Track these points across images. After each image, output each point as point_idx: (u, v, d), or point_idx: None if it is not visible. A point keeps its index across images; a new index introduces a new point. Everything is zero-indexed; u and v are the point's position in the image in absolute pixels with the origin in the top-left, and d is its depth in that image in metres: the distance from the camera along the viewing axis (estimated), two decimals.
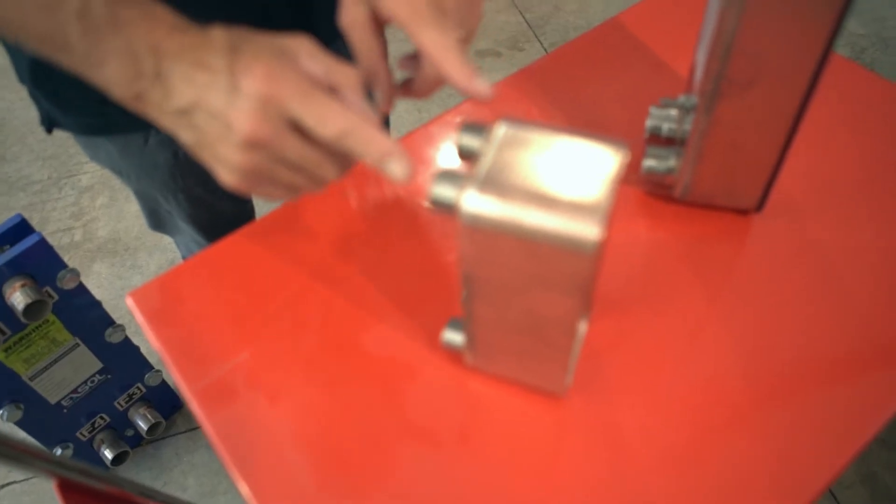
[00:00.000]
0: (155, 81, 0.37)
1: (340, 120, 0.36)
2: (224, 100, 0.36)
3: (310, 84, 0.37)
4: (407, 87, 0.47)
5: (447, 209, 0.36)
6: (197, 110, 0.37)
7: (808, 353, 0.47)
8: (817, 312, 0.49)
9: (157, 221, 0.78)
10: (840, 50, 0.58)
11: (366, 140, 0.37)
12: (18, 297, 0.85)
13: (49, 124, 0.60)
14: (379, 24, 0.44)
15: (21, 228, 0.87)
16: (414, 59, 0.47)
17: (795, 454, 0.43)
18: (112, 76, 0.37)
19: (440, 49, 0.40)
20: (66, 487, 0.55)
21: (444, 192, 0.36)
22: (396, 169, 0.37)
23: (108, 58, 0.37)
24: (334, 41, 0.66)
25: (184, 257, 0.90)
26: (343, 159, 0.40)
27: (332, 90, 0.38)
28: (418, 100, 0.48)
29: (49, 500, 1.17)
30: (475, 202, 0.35)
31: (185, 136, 0.39)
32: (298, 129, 0.37)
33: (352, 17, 0.43)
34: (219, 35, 0.37)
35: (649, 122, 0.55)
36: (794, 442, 0.44)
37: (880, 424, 0.44)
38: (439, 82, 0.45)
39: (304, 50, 0.38)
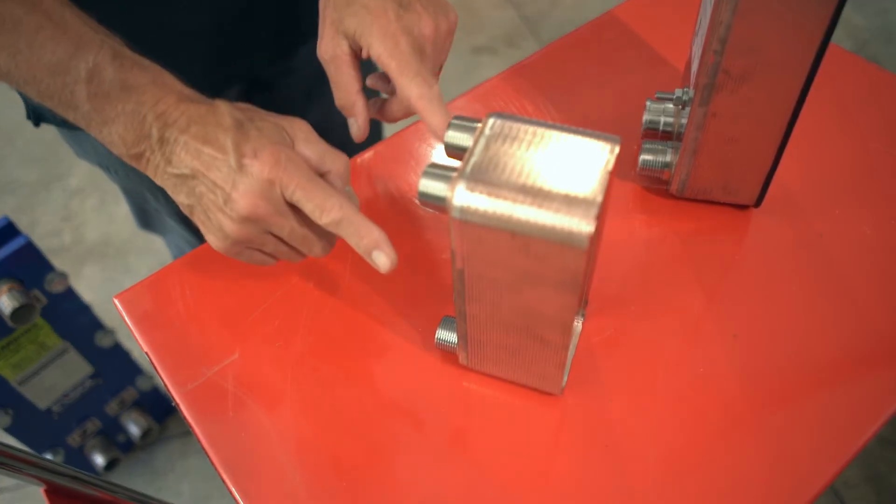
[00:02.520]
0: (158, 146, 0.39)
1: (337, 211, 0.39)
2: (228, 176, 0.39)
3: (311, 173, 0.40)
4: (379, 110, 0.49)
5: (436, 204, 0.36)
6: (198, 179, 0.40)
7: (807, 350, 0.47)
8: (817, 309, 0.49)
9: (146, 220, 0.77)
10: (842, 43, 0.58)
11: (358, 231, 0.40)
12: (5, 301, 0.84)
13: (36, 118, 0.59)
14: (357, 57, 0.46)
15: (8, 231, 0.86)
16: (384, 77, 0.49)
17: (793, 453, 0.43)
18: (115, 136, 0.39)
19: (425, 103, 0.43)
20: (54, 493, 0.54)
21: (433, 186, 0.35)
22: (381, 260, 0.40)
23: (113, 119, 0.39)
24: (316, 33, 0.65)
25: (175, 258, 0.89)
26: (329, 239, 0.44)
27: (322, 173, 0.43)
28: (390, 123, 0.51)
29: None
30: (464, 196, 0.34)
31: (180, 198, 0.41)
32: (293, 209, 0.41)
33: (331, 52, 0.45)
34: (225, 111, 0.40)
35: (645, 117, 0.54)
36: (792, 440, 0.43)
37: (880, 424, 0.44)
38: (410, 111, 0.47)
39: (301, 135, 0.42)
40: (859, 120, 0.59)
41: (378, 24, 0.43)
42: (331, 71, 0.46)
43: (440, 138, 0.42)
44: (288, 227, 0.41)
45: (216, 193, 0.40)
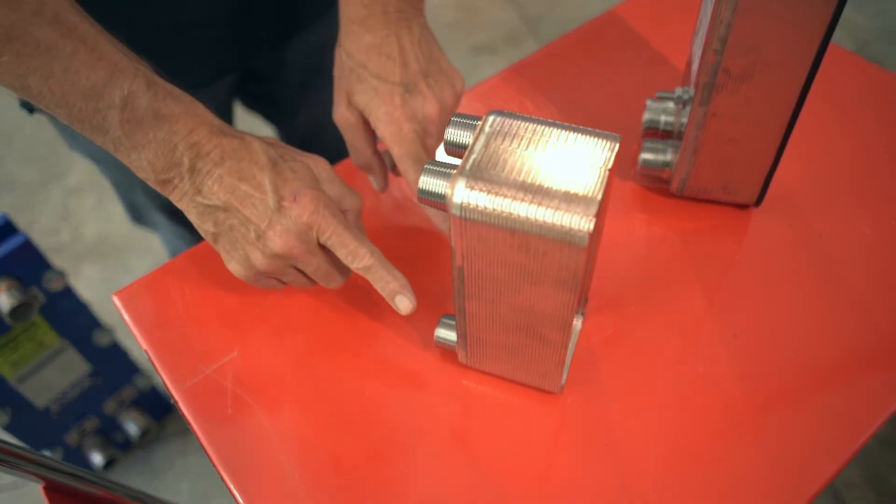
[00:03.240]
0: (188, 175, 0.41)
1: (368, 258, 0.43)
2: (265, 214, 0.41)
3: (344, 220, 0.43)
4: (391, 166, 0.53)
5: (436, 202, 0.36)
6: (230, 213, 0.41)
7: (807, 349, 0.47)
8: (816, 309, 0.49)
9: (137, 214, 0.77)
10: (843, 43, 0.58)
11: (384, 277, 0.44)
12: (4, 299, 0.84)
13: (30, 107, 0.59)
14: (369, 123, 0.48)
15: (6, 229, 0.86)
16: None
17: (793, 452, 0.42)
18: (144, 162, 0.40)
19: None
20: (53, 490, 0.54)
21: (432, 184, 0.35)
22: (404, 304, 0.44)
23: (144, 146, 0.39)
24: (316, 20, 0.66)
25: (170, 254, 0.89)
26: (345, 275, 0.46)
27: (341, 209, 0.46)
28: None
29: None
30: (464, 194, 0.34)
31: (206, 226, 0.43)
32: (321, 248, 0.43)
33: (345, 119, 0.48)
34: (258, 148, 0.42)
35: (646, 116, 0.54)
36: (791, 439, 0.43)
37: (879, 423, 0.44)
38: None
39: (324, 174, 0.44)
40: (859, 120, 0.59)
41: (384, 110, 0.46)
42: (347, 136, 0.49)
43: (438, 226, 0.47)
44: (314, 264, 0.43)
45: (248, 228, 0.41)
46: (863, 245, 0.52)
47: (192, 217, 0.43)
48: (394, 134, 0.46)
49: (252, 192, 0.41)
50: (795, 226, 0.53)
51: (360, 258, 0.43)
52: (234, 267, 0.44)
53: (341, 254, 0.43)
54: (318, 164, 0.45)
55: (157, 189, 0.42)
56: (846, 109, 0.60)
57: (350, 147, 0.50)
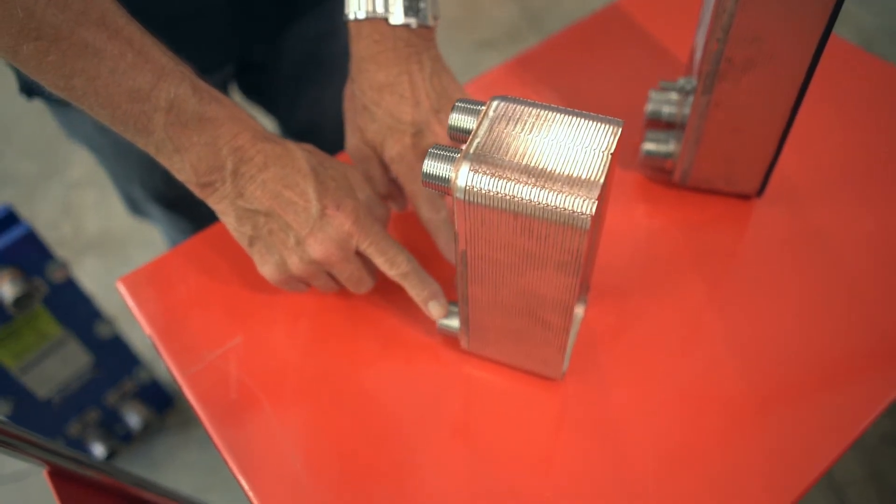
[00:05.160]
0: (231, 178, 0.41)
1: (405, 266, 0.44)
2: (307, 222, 0.42)
3: (382, 229, 0.44)
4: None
5: (440, 186, 0.36)
6: (271, 217, 0.42)
7: (807, 340, 0.47)
8: (816, 299, 0.49)
9: (135, 205, 0.77)
10: (847, 40, 0.59)
11: (419, 284, 0.45)
12: (7, 289, 0.84)
13: (28, 92, 0.59)
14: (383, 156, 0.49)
15: (9, 220, 0.86)
16: None
17: (790, 443, 0.43)
18: (187, 164, 0.40)
19: (433, 226, 0.48)
20: (57, 476, 0.54)
21: (437, 167, 0.35)
22: (436, 310, 0.45)
23: (188, 148, 0.40)
24: (314, 9, 0.66)
25: (169, 246, 0.89)
26: (374, 279, 0.47)
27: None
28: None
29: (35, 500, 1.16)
30: (468, 177, 0.34)
31: (244, 228, 0.43)
32: (357, 255, 0.44)
33: (359, 152, 0.49)
34: (300, 155, 0.42)
35: (649, 106, 0.54)
36: (789, 431, 0.43)
37: (876, 415, 0.44)
38: None
39: (356, 182, 0.46)
40: (860, 111, 0.60)
41: (396, 149, 0.46)
42: (362, 167, 0.50)
43: (447, 258, 0.48)
44: (349, 270, 0.45)
45: (288, 234, 0.42)
46: (864, 236, 0.52)
47: (228, 219, 0.43)
48: (406, 173, 0.47)
49: (296, 199, 0.42)
50: (797, 216, 0.53)
51: (398, 266, 0.44)
52: (268, 270, 0.44)
53: (379, 261, 0.44)
54: (350, 172, 0.46)
55: (196, 192, 0.42)
56: (847, 101, 0.60)
57: (367, 178, 0.50)
